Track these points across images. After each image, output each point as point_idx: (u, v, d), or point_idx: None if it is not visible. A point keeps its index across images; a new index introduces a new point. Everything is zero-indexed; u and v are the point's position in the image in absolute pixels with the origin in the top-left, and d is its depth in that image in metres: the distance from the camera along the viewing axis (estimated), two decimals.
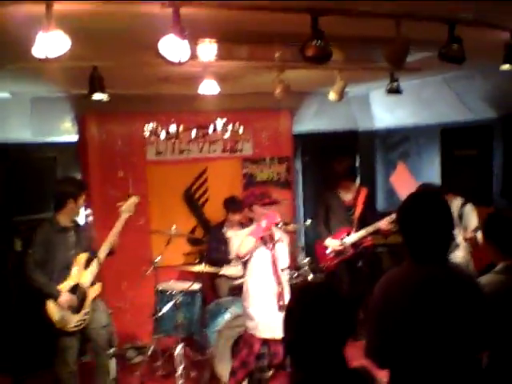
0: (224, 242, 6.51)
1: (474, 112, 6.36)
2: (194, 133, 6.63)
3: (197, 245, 6.69)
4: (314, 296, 2.09)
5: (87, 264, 4.78)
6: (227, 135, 6.54)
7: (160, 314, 5.55)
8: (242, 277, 6.21)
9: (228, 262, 6.38)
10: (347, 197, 6.48)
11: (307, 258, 5.83)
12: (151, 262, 5.74)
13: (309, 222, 6.28)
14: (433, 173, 6.89)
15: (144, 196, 6.64)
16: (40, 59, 2.90)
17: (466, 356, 2.55)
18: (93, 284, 4.80)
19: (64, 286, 4.63)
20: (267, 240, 4.71)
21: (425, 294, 2.52)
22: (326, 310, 2.03)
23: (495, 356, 2.84)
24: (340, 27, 3.60)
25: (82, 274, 4.75)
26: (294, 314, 2.08)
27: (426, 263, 2.58)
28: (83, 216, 5.04)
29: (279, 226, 4.63)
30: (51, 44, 2.80)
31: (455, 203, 5.64)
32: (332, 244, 6.28)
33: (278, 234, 4.77)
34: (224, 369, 5.39)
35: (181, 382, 5.30)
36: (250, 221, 4.86)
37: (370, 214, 6.28)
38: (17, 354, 5.79)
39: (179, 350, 5.41)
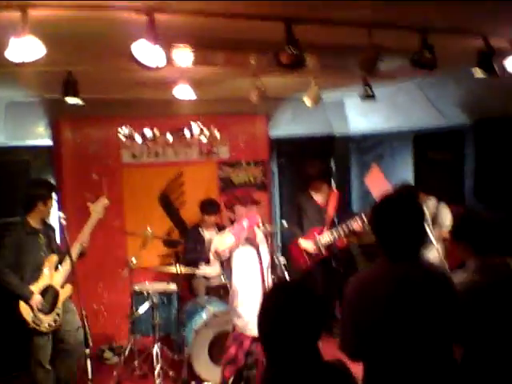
0: (201, 242, 6.53)
1: (447, 117, 6.45)
2: (170, 136, 6.63)
3: (172, 247, 6.69)
4: (288, 293, 2.12)
5: (58, 265, 4.83)
6: (203, 139, 6.55)
7: (136, 314, 5.54)
8: (218, 277, 6.26)
9: (205, 262, 6.39)
10: (319, 198, 6.55)
11: (282, 258, 5.86)
12: (127, 263, 5.72)
13: (284, 222, 6.32)
14: (406, 175, 6.98)
15: (119, 198, 6.67)
16: (14, 64, 2.89)
17: (438, 349, 2.61)
18: (64, 285, 4.85)
19: (36, 287, 4.68)
20: (252, 239, 4.75)
21: (398, 290, 2.58)
22: (300, 306, 2.07)
23: (469, 352, 2.88)
24: (314, 35, 3.64)
25: (53, 275, 4.80)
26: (269, 310, 2.11)
27: (399, 261, 2.64)
28: (57, 219, 5.02)
29: (260, 226, 4.68)
30: (25, 49, 2.80)
31: (430, 203, 5.73)
32: (306, 245, 6.33)
33: (260, 234, 4.82)
34: (202, 367, 5.42)
35: (158, 381, 5.31)
36: (231, 222, 4.90)
37: (344, 216, 6.34)
38: None
39: (156, 349, 5.43)
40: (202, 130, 6.43)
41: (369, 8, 3.17)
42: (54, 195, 4.95)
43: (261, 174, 7.57)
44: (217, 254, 4.94)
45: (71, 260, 4.60)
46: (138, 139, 6.32)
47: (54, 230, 5.11)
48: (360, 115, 7.80)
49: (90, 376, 4.39)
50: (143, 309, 5.52)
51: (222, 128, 7.05)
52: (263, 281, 4.70)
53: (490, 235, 2.99)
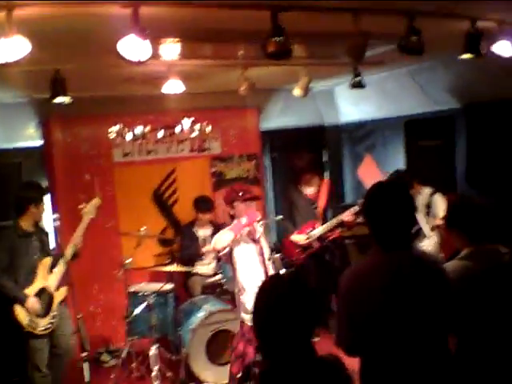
0: (196, 240, 6.51)
1: (437, 103, 6.45)
2: (161, 133, 6.61)
3: (167, 245, 6.68)
4: (281, 287, 2.12)
5: (52, 268, 4.81)
6: (194, 134, 6.53)
7: (133, 316, 5.52)
8: (214, 275, 6.25)
9: (200, 260, 6.38)
10: (310, 191, 6.54)
11: (278, 254, 5.86)
12: (122, 264, 5.70)
13: (280, 217, 6.32)
14: (398, 163, 6.97)
15: (112, 198, 6.64)
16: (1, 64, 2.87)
17: (434, 339, 2.61)
18: (59, 287, 4.84)
19: (30, 290, 4.67)
20: (253, 235, 4.78)
21: (392, 281, 2.57)
22: (293, 300, 2.06)
23: (463, 341, 2.89)
24: (301, 23, 3.63)
25: (47, 277, 4.78)
26: (262, 304, 2.11)
27: (392, 251, 2.63)
28: (51, 220, 5.02)
29: (260, 223, 4.70)
30: (11, 49, 2.77)
31: (424, 192, 5.74)
32: (298, 239, 6.32)
33: (260, 229, 4.84)
34: (200, 367, 5.40)
35: (157, 383, 5.29)
36: (232, 217, 4.93)
37: (337, 208, 6.34)
38: None
39: (154, 350, 5.39)
40: (192, 125, 6.41)
41: None
42: (45, 198, 4.94)
43: (253, 168, 7.55)
44: (215, 251, 4.98)
45: (65, 262, 4.61)
46: (129, 137, 6.30)
47: (47, 234, 5.09)
48: (350, 104, 7.81)
49: (87, 379, 4.41)
50: (139, 310, 5.50)
51: (213, 122, 7.03)
52: (267, 275, 4.72)
53: (483, 222, 2.99)
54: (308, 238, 6.29)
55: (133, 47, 2.98)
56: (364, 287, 2.60)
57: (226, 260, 5.01)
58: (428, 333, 2.59)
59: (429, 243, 5.44)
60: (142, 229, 5.77)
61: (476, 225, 2.98)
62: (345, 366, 2.17)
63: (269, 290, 2.14)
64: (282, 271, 5.57)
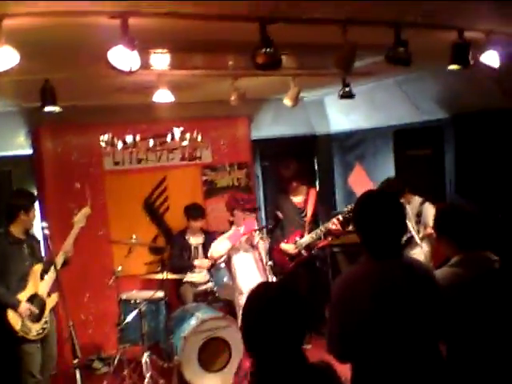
0: (187, 248, 6.51)
1: (426, 113, 6.51)
2: (151, 142, 6.61)
3: (158, 253, 6.66)
4: (270, 295, 2.12)
5: (43, 274, 4.85)
6: (185, 143, 6.55)
7: (124, 323, 5.50)
8: (206, 283, 6.25)
9: (191, 268, 6.37)
10: (298, 199, 6.56)
11: (270, 261, 5.89)
12: (113, 272, 5.69)
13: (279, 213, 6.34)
14: (388, 172, 7.00)
15: (103, 206, 6.63)
16: None
17: (425, 346, 2.63)
18: (50, 294, 4.87)
19: (23, 296, 4.69)
20: (251, 243, 4.85)
21: (382, 289, 2.58)
22: (282, 307, 2.06)
23: (452, 348, 2.90)
24: (290, 34, 3.65)
25: (38, 284, 4.81)
26: (251, 312, 2.11)
27: (382, 259, 2.65)
28: (40, 228, 5.02)
29: (257, 232, 4.78)
30: (0, 59, 2.79)
31: (414, 201, 5.77)
32: (287, 247, 6.34)
33: (257, 237, 4.92)
34: (192, 375, 5.38)
35: None
36: (230, 224, 5.00)
37: (324, 214, 6.35)
38: None
39: (146, 358, 5.39)
40: (183, 134, 6.42)
41: (342, 4, 3.19)
42: (35, 205, 4.96)
43: (244, 176, 7.56)
44: (212, 259, 5.04)
45: (56, 269, 4.62)
46: (120, 145, 6.30)
47: (38, 241, 5.12)
48: (340, 113, 7.84)
49: None
50: (131, 317, 5.49)
51: (204, 132, 7.03)
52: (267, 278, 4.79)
53: (472, 229, 3.00)
54: (296, 247, 6.31)
55: (122, 57, 3.00)
56: (354, 295, 2.61)
57: (225, 266, 5.06)
58: (419, 340, 2.60)
59: (420, 251, 5.46)
60: (133, 237, 5.76)
61: (465, 232, 2.99)
62: (336, 374, 2.18)
63: (257, 296, 2.14)
64: (273, 279, 5.65)
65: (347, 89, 5.50)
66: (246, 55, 3.46)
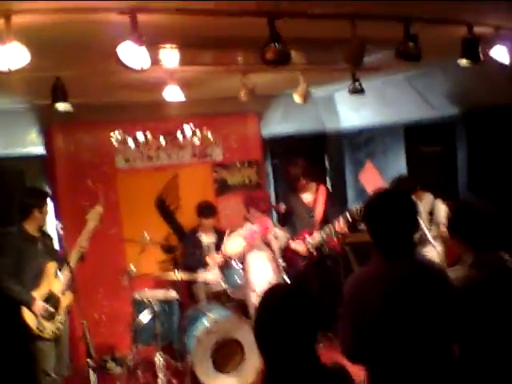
0: (199, 246, 6.50)
1: (437, 109, 6.47)
2: (162, 139, 6.63)
3: (171, 252, 6.68)
4: (281, 295, 2.13)
5: (58, 272, 4.85)
6: (196, 141, 6.56)
7: (139, 323, 5.51)
8: (218, 282, 6.25)
9: (204, 266, 6.38)
10: (307, 198, 6.48)
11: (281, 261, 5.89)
12: (126, 270, 5.71)
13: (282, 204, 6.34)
14: (399, 169, 6.99)
15: (115, 205, 6.65)
16: (1, 71, 2.91)
17: (437, 347, 2.61)
18: (64, 292, 4.87)
19: (37, 294, 4.70)
20: (265, 242, 4.90)
21: (394, 288, 2.57)
22: (293, 308, 2.07)
23: (465, 349, 2.88)
24: (299, 30, 3.67)
25: (53, 282, 4.82)
26: (263, 313, 2.12)
27: (393, 258, 2.64)
28: (54, 227, 5.07)
29: (272, 232, 4.83)
30: (11, 56, 2.82)
31: (426, 199, 5.73)
32: (296, 247, 6.30)
33: (271, 236, 4.97)
34: (205, 375, 5.34)
35: None
36: (245, 219, 5.05)
37: (335, 212, 6.30)
38: None
39: (159, 358, 5.40)
40: (194, 131, 6.45)
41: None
42: (48, 202, 4.98)
43: (255, 174, 7.57)
44: (226, 256, 5.08)
45: (70, 267, 4.67)
46: (131, 144, 6.33)
47: (51, 238, 5.14)
48: (350, 110, 7.83)
49: None
50: (145, 318, 5.50)
51: (214, 129, 7.05)
52: (279, 276, 4.83)
53: (485, 229, 2.97)
54: (306, 246, 6.27)
55: (132, 54, 3.03)
56: (366, 295, 2.60)
57: (237, 265, 5.08)
58: (431, 340, 2.58)
59: (432, 250, 5.42)
60: (145, 235, 5.77)
61: (478, 232, 2.96)
62: (350, 375, 2.18)
63: (270, 296, 2.15)
64: (286, 278, 5.67)
65: (357, 84, 5.48)
66: (255, 51, 3.47)
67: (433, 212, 5.65)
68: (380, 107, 7.21)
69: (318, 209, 6.39)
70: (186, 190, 7.11)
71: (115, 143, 6.28)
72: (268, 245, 5.15)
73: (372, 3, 3.33)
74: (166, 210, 7.09)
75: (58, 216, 6.01)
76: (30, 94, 5.35)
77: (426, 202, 5.71)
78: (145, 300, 5.58)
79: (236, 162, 7.45)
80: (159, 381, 5.33)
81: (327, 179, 8.31)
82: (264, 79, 5.37)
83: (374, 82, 6.42)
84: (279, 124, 7.70)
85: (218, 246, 6.43)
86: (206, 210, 6.50)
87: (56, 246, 5.26)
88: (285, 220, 6.54)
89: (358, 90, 5.52)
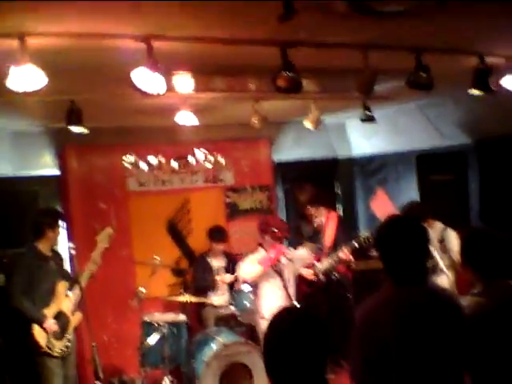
0: (209, 270, 6.49)
1: (448, 138, 6.48)
2: (175, 164, 6.68)
3: (181, 276, 6.68)
4: (293, 320, 2.11)
5: (68, 292, 4.90)
6: (208, 165, 6.60)
7: (146, 345, 5.49)
8: (227, 306, 6.23)
9: (214, 290, 6.37)
10: (317, 223, 6.51)
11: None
12: (136, 293, 5.71)
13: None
14: (411, 198, 6.94)
15: (127, 227, 6.67)
16: (16, 92, 2.97)
17: (449, 376, 2.56)
18: (74, 312, 4.91)
19: (48, 312, 4.74)
20: (277, 266, 4.93)
21: (407, 316, 2.54)
22: (305, 333, 2.05)
23: (477, 378, 2.85)
24: (311, 59, 3.72)
25: (63, 301, 4.87)
26: (274, 338, 2.10)
27: (405, 285, 2.63)
28: (66, 248, 5.12)
29: (287, 256, 4.86)
30: (25, 78, 2.88)
31: (436, 227, 5.70)
32: (305, 272, 6.26)
33: (285, 261, 5.01)
34: None
35: None
36: (259, 245, 5.07)
37: (345, 238, 6.28)
38: None
39: (166, 382, 5.37)
40: (206, 156, 6.49)
41: (363, 29, 3.23)
42: (61, 223, 5.05)
43: (266, 199, 7.59)
44: (243, 282, 5.11)
45: (80, 288, 4.72)
46: (144, 167, 6.38)
47: (62, 258, 5.20)
48: (362, 137, 7.85)
49: None
50: (153, 340, 5.48)
51: (226, 154, 7.08)
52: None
53: (497, 259, 2.95)
54: (314, 272, 6.24)
55: (148, 80, 3.08)
56: (376, 322, 2.57)
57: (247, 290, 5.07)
58: (442, 370, 2.54)
59: (445, 278, 5.37)
60: (155, 258, 5.79)
61: (490, 262, 2.94)
62: None
63: (280, 321, 2.13)
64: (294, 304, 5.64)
65: (368, 112, 5.51)
66: (267, 78, 3.52)
67: (443, 240, 5.61)
68: (392, 135, 7.23)
69: (327, 234, 6.38)
70: (198, 214, 7.13)
71: (128, 166, 6.33)
72: (279, 273, 5.14)
73: (384, 34, 3.37)
74: (177, 234, 7.10)
75: (69, 236, 6.05)
76: (45, 116, 5.43)
77: (436, 230, 5.67)
78: (154, 322, 5.57)
79: (247, 186, 7.47)
80: None
81: (338, 205, 8.30)
82: (276, 106, 5.42)
83: (386, 110, 6.45)
84: (291, 150, 7.73)
85: (227, 270, 6.44)
86: (218, 234, 6.50)
87: (67, 265, 5.29)
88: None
89: (369, 119, 5.54)
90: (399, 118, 6.85)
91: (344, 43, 3.49)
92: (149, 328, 5.58)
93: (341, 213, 7.89)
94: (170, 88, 4.04)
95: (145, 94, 3.18)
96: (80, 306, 4.85)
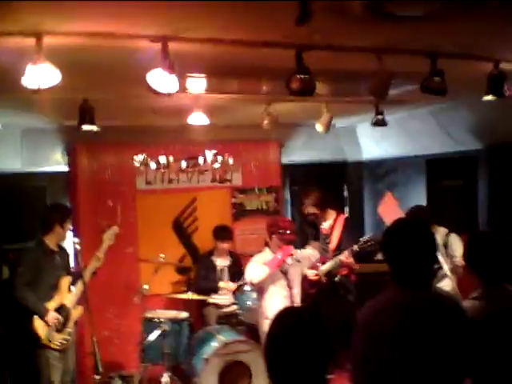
0: (213, 270, 6.51)
1: (459, 143, 6.46)
2: (183, 163, 6.69)
3: (185, 274, 6.69)
4: (295, 320, 2.11)
5: (71, 286, 4.99)
6: (216, 166, 6.61)
7: (147, 342, 5.50)
8: (230, 305, 6.25)
9: (216, 290, 6.37)
10: (324, 225, 6.48)
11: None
12: (139, 289, 5.73)
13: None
14: (419, 202, 6.92)
15: (133, 225, 6.70)
16: (31, 91, 2.97)
17: (451, 381, 2.57)
18: (76, 306, 5.00)
19: (50, 305, 4.82)
20: (283, 267, 4.97)
21: (410, 319, 2.54)
22: (307, 333, 2.05)
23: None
24: (325, 61, 3.69)
25: (66, 295, 4.95)
26: (275, 338, 2.10)
27: (409, 289, 2.62)
28: (72, 243, 5.16)
29: (294, 256, 4.88)
30: (41, 76, 2.88)
31: (440, 232, 5.69)
32: (309, 273, 6.26)
33: (290, 262, 5.05)
34: None
35: None
36: (266, 245, 5.08)
37: (350, 241, 6.25)
38: None
39: (166, 378, 5.39)
40: (215, 156, 6.49)
41: (379, 33, 3.21)
42: (69, 219, 5.11)
43: (273, 200, 7.59)
44: (251, 284, 5.14)
45: (84, 283, 4.77)
46: (153, 166, 6.40)
47: (68, 254, 5.27)
48: (372, 142, 7.83)
49: None
50: (153, 336, 5.49)
51: (235, 154, 7.08)
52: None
53: (499, 264, 2.96)
54: (317, 274, 6.23)
55: (161, 80, 3.07)
56: (379, 324, 2.57)
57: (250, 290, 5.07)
58: (444, 375, 2.53)
59: (447, 283, 5.37)
60: (160, 256, 5.80)
61: (492, 266, 2.96)
62: None
63: (282, 321, 2.13)
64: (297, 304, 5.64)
65: (380, 116, 5.50)
66: (280, 80, 3.51)
67: (447, 245, 5.60)
68: (402, 140, 7.20)
69: (333, 237, 6.37)
70: (204, 213, 7.14)
71: (138, 165, 6.34)
72: (284, 273, 5.16)
73: (400, 37, 3.35)
74: (182, 232, 7.11)
75: (76, 232, 6.07)
76: (58, 114, 5.43)
77: (440, 235, 5.66)
78: (155, 319, 5.59)
79: (255, 187, 7.47)
80: None
81: (345, 208, 8.29)
82: (288, 108, 5.41)
83: (397, 114, 6.43)
84: (300, 152, 7.73)
85: (231, 270, 6.44)
86: (223, 233, 6.52)
87: (71, 261, 5.32)
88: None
89: (380, 123, 5.53)
90: (410, 122, 6.82)
91: (359, 46, 3.47)
92: (150, 324, 5.60)
93: (347, 216, 7.87)
94: (183, 89, 4.05)
95: (157, 93, 3.16)
96: (82, 300, 4.89)
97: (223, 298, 6.30)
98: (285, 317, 2.15)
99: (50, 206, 5.84)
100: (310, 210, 6.45)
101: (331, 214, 6.51)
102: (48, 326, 4.74)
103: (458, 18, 3.04)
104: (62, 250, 5.14)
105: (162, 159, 6.35)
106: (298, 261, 5.20)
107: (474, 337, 2.67)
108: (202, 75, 3.98)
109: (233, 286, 6.23)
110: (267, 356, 2.10)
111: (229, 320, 6.16)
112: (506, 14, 3.04)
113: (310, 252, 5.86)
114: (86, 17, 2.72)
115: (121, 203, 6.66)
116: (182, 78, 3.26)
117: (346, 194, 8.36)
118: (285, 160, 7.70)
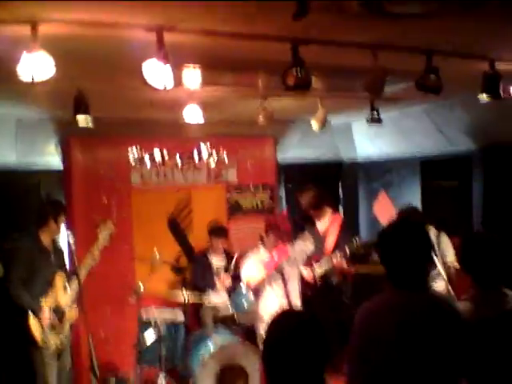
0: (209, 268, 6.48)
1: (454, 143, 6.47)
2: (178, 159, 6.67)
3: (180, 273, 6.66)
4: (293, 322, 2.11)
5: (66, 285, 4.95)
6: (212, 163, 6.60)
7: (143, 345, 5.48)
8: (226, 307, 6.21)
9: (213, 288, 6.35)
10: (321, 225, 6.46)
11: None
12: (134, 289, 5.69)
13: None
14: (413, 203, 6.92)
15: (128, 221, 6.65)
16: (26, 79, 2.96)
17: (446, 382, 2.58)
18: (71, 306, 4.96)
19: (45, 304, 4.78)
20: (281, 270, 4.97)
21: (407, 321, 2.55)
22: (304, 335, 2.04)
23: None
24: (321, 57, 3.70)
25: (61, 294, 4.92)
26: (273, 340, 2.09)
27: (406, 289, 2.62)
28: (65, 239, 5.12)
29: (290, 259, 4.89)
30: (36, 65, 2.87)
31: (430, 233, 5.68)
32: (304, 274, 6.24)
33: (286, 263, 5.10)
34: None
35: None
36: (261, 239, 5.08)
37: (345, 241, 6.23)
38: None
39: (162, 380, 5.37)
40: (210, 153, 6.48)
41: (375, 29, 3.22)
42: (63, 214, 5.11)
43: (268, 198, 7.58)
44: (249, 286, 5.14)
45: (79, 281, 4.74)
46: (147, 161, 6.38)
47: (62, 251, 5.25)
48: (367, 139, 7.84)
49: None
50: (150, 339, 5.47)
51: (230, 151, 7.07)
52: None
53: (493, 266, 2.96)
54: (312, 274, 6.21)
55: (157, 72, 3.06)
56: (377, 326, 2.58)
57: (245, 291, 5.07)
58: (440, 375, 2.54)
59: (441, 283, 5.37)
60: (156, 254, 5.76)
61: (485, 268, 2.96)
62: None
63: (279, 323, 2.13)
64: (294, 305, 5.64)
65: (375, 114, 5.50)
66: (276, 75, 3.50)
67: (438, 246, 5.61)
68: (396, 138, 7.22)
69: (329, 237, 6.35)
70: (199, 210, 7.10)
71: (132, 160, 6.32)
72: (281, 272, 5.15)
73: (396, 34, 3.35)
74: (177, 230, 7.07)
75: (70, 229, 6.03)
76: (51, 104, 5.40)
77: (431, 235, 5.66)
78: (151, 322, 5.56)
79: (250, 184, 7.46)
80: None
81: (340, 207, 8.28)
82: (283, 104, 5.41)
83: (391, 112, 6.43)
84: (295, 149, 7.71)
85: (227, 269, 6.42)
86: (217, 229, 6.50)
87: (66, 258, 5.29)
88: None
89: (375, 120, 5.53)
90: (404, 120, 6.84)
91: (355, 42, 3.48)
92: (146, 326, 5.58)
93: (342, 215, 7.87)
94: (178, 82, 4.04)
95: (153, 86, 3.15)
96: (77, 299, 4.86)
97: (219, 298, 6.27)
98: (282, 319, 2.15)
99: (46, 200, 5.84)
100: (306, 207, 6.45)
101: (327, 212, 6.50)
102: (42, 325, 4.71)
103: (456, 16, 3.05)
104: (57, 247, 5.13)
105: (157, 155, 6.33)
106: (294, 260, 5.20)
107: (467, 338, 2.67)
108: (198, 68, 3.96)
109: (229, 282, 6.20)
110: (264, 358, 2.10)
111: (225, 321, 6.11)
112: (504, 14, 3.05)
113: (302, 245, 5.85)
114: (82, 5, 2.71)
115: (115, 199, 6.60)
116: (176, 71, 3.25)
117: (340, 192, 8.35)
118: (280, 157, 7.69)
